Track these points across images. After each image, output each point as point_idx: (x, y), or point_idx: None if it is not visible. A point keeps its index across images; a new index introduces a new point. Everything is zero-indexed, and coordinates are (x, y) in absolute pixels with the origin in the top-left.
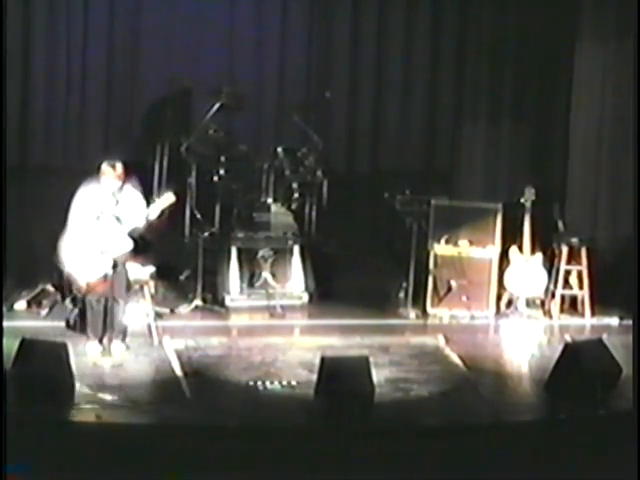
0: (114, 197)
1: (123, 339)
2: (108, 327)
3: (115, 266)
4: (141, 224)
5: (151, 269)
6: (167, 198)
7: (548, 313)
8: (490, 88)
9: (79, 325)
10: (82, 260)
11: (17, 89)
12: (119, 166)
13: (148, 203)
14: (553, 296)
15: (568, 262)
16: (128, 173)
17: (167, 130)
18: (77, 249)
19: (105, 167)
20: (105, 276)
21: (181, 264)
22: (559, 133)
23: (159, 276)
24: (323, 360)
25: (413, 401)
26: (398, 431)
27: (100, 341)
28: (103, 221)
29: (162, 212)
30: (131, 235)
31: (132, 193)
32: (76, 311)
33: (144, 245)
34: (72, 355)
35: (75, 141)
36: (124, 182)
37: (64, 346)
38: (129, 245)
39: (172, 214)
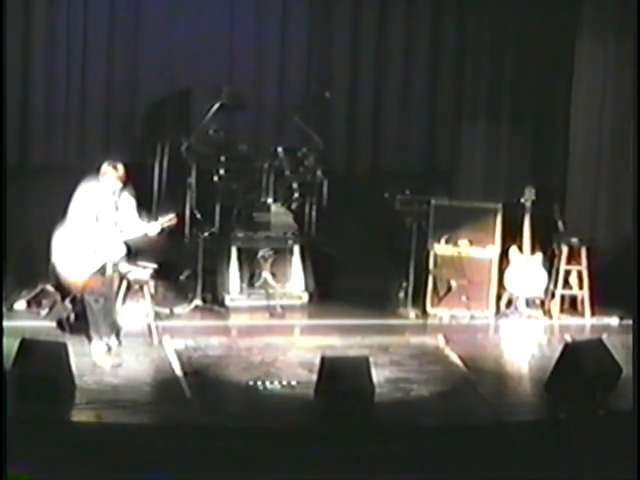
0: (113, 199)
1: (117, 335)
2: (108, 326)
3: (106, 268)
4: (138, 235)
5: (153, 266)
6: (170, 219)
7: (548, 313)
8: (490, 88)
9: (72, 326)
10: (73, 256)
11: (17, 89)
12: (121, 167)
13: (149, 210)
14: (553, 296)
15: (568, 262)
16: (129, 175)
17: (167, 130)
18: (71, 245)
19: (107, 167)
20: (99, 275)
21: (181, 264)
22: (559, 133)
23: (159, 276)
24: (323, 360)
25: (413, 401)
26: (398, 431)
27: (105, 341)
28: (101, 222)
29: (162, 229)
30: (126, 243)
31: (128, 200)
32: (70, 312)
33: (145, 246)
34: (72, 355)
35: (75, 141)
36: (124, 184)
37: (64, 346)
38: (123, 251)
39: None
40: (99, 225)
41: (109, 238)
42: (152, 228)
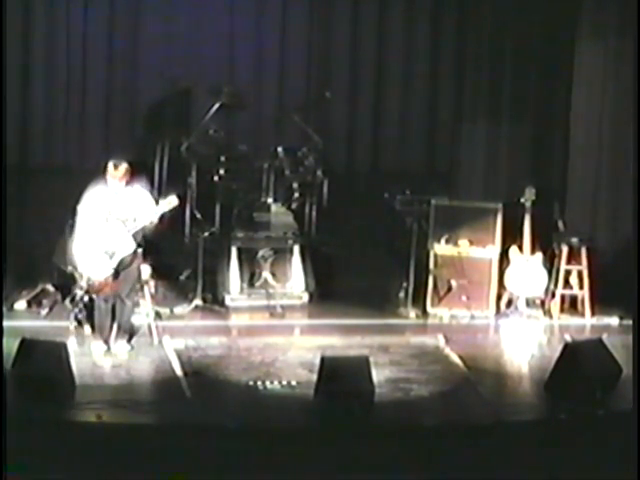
0: (119, 197)
1: (129, 340)
2: (114, 327)
3: (121, 267)
4: (144, 225)
5: (149, 269)
6: (170, 201)
7: (548, 313)
8: (490, 88)
9: (87, 322)
10: (89, 260)
11: (17, 89)
12: (122, 167)
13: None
14: (553, 296)
15: (568, 262)
16: (133, 173)
17: (167, 130)
18: (85, 249)
19: (109, 167)
20: (114, 276)
21: (181, 264)
22: (559, 133)
23: (159, 276)
24: (323, 360)
25: (413, 401)
26: (398, 431)
27: (105, 341)
28: (110, 222)
29: (164, 214)
30: (135, 237)
31: (139, 192)
32: (81, 309)
33: (145, 245)
34: (72, 355)
35: (75, 141)
36: (128, 182)
37: (64, 346)
38: (132, 247)
39: (172, 214)
40: (108, 226)
41: (118, 236)
42: (154, 215)
